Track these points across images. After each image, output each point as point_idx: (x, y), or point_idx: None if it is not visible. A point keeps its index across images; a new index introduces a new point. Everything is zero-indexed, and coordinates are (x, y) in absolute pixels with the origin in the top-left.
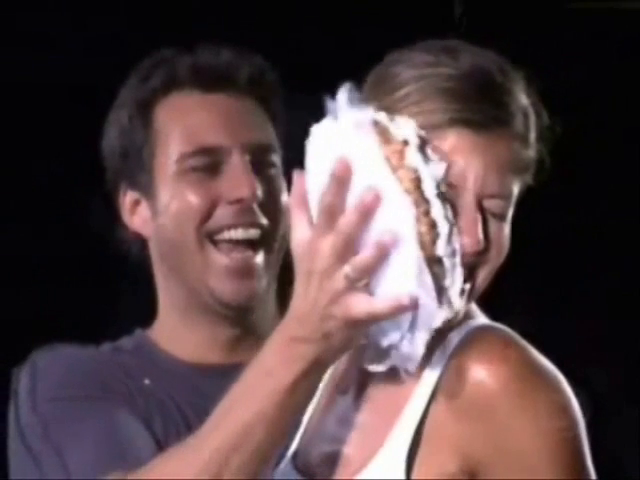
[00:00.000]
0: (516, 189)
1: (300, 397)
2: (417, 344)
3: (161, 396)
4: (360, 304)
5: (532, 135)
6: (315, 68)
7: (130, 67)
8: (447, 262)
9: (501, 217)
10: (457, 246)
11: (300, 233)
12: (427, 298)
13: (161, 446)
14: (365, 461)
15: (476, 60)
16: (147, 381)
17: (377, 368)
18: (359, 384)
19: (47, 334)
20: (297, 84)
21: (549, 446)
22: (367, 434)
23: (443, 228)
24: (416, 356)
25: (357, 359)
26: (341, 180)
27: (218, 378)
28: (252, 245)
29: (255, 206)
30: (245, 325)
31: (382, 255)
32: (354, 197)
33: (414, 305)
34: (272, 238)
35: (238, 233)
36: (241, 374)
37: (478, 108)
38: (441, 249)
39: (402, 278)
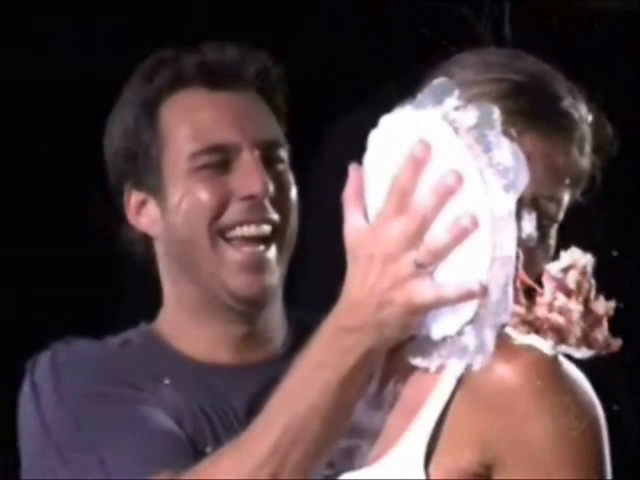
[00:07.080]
0: (566, 197)
1: (354, 389)
2: (486, 341)
3: (185, 397)
4: (426, 290)
5: (588, 146)
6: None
7: (131, 66)
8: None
9: (552, 219)
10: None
11: (355, 225)
12: (497, 290)
13: (193, 448)
14: (383, 453)
15: (543, 68)
16: (167, 381)
17: (422, 363)
18: (382, 377)
19: (47, 334)
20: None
21: (565, 445)
22: (388, 428)
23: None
24: (487, 353)
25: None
26: (419, 162)
27: (232, 379)
28: (264, 240)
29: (266, 202)
30: (256, 322)
31: (459, 240)
32: (426, 184)
33: (483, 293)
34: (283, 233)
35: (250, 229)
36: (256, 371)
37: (544, 115)
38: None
39: (472, 266)
